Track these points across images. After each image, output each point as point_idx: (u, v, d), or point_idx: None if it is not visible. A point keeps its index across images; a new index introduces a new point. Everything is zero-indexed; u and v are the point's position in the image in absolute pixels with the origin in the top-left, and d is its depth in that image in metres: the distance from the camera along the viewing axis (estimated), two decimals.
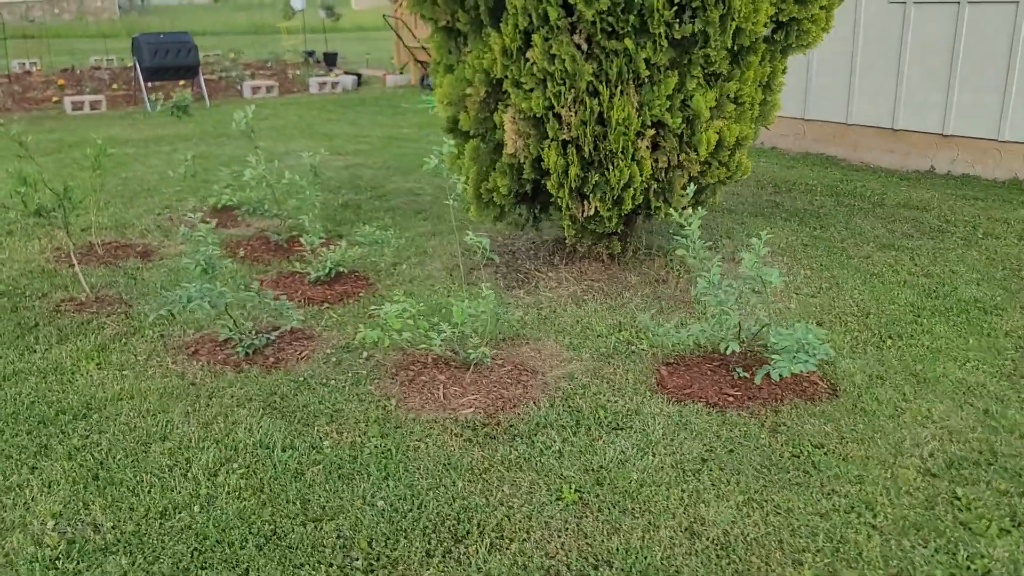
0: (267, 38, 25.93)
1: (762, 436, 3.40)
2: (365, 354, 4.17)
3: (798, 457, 3.25)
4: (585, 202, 4.70)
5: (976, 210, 6.72)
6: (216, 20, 33.48)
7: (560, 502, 2.97)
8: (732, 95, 4.58)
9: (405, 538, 2.78)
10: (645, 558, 2.68)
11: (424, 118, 12.16)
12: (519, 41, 4.39)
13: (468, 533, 2.80)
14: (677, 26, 4.23)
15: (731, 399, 3.73)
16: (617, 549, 2.72)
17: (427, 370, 4.02)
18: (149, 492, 3.03)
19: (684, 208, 4.95)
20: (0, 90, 14.59)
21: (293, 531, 2.82)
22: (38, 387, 3.82)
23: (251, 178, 5.71)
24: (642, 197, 4.68)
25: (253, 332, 4.23)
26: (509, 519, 2.87)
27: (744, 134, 4.74)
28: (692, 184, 4.62)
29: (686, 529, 2.82)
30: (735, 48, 4.43)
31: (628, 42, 4.27)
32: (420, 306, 3.99)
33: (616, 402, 3.69)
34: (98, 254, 5.73)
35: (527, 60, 4.44)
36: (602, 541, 2.76)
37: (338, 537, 2.79)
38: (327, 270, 5.16)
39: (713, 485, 3.06)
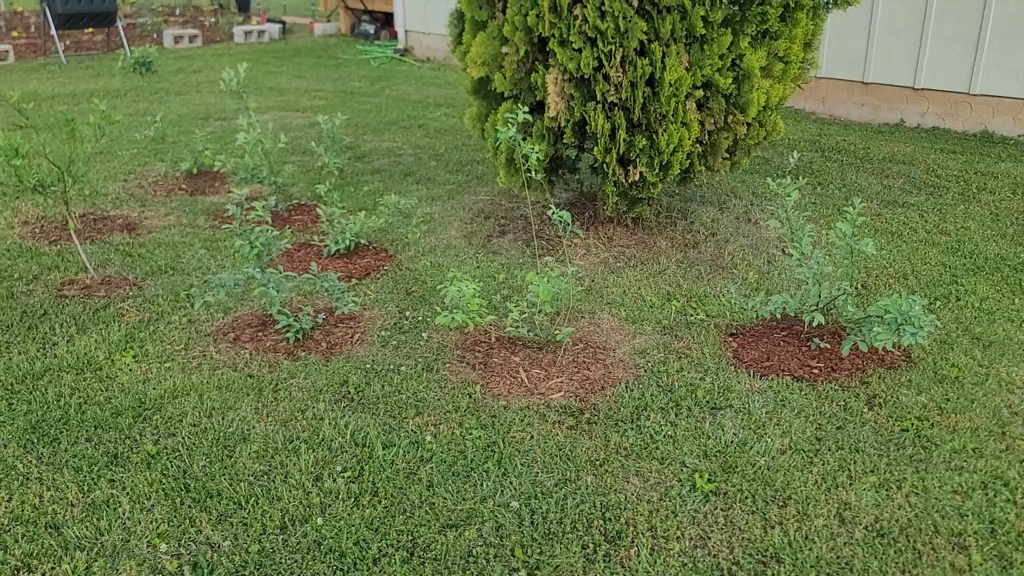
0: None
1: (863, 410, 3.36)
2: (425, 335, 3.93)
3: (907, 431, 3.22)
4: (630, 167, 4.52)
5: (960, 164, 6.86)
6: None
7: (697, 493, 2.85)
8: (781, 53, 4.45)
9: (559, 542, 2.61)
10: (810, 551, 2.60)
11: (370, 70, 11.65)
12: None
13: (621, 534, 2.66)
14: None
15: (816, 372, 3.68)
16: (779, 543, 2.63)
17: (496, 351, 3.81)
18: (256, 503, 2.76)
19: (716, 171, 4.85)
20: None
21: (435, 541, 2.61)
22: (78, 386, 3.44)
23: (245, 142, 5.28)
24: (688, 161, 4.54)
25: (293, 315, 3.92)
26: (656, 515, 2.74)
27: (786, 94, 4.64)
28: (737, 146, 4.51)
29: (836, 516, 2.75)
30: (789, 4, 4.30)
31: None
32: (477, 283, 3.77)
33: (703, 379, 3.59)
34: (78, 228, 5.23)
35: (576, 17, 4.19)
36: (760, 535, 2.66)
37: (486, 545, 2.60)
38: (347, 242, 4.85)
39: (840, 467, 3.00)
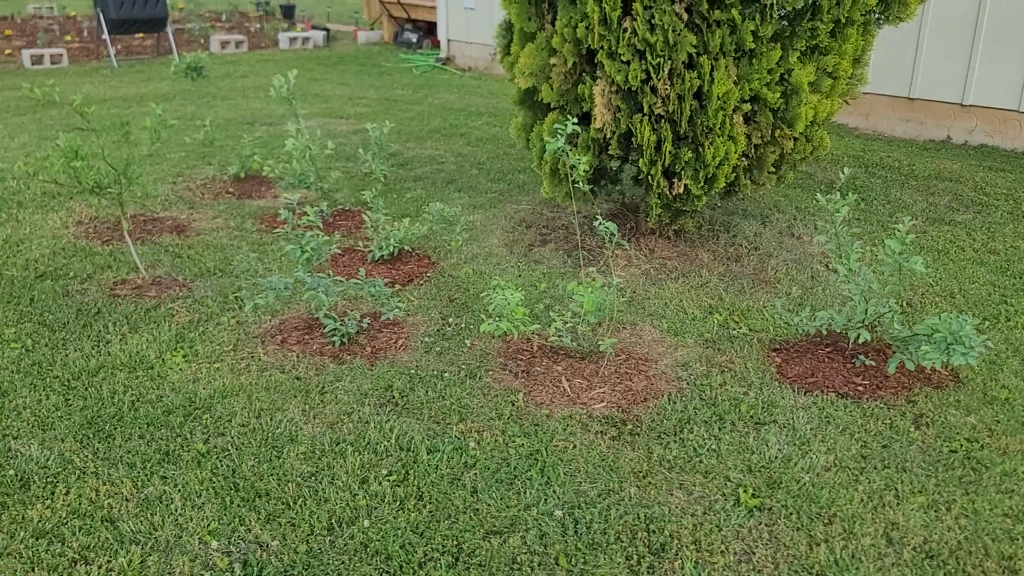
0: None
1: (910, 429, 3.33)
2: (468, 342, 3.96)
3: (956, 452, 3.19)
4: (675, 180, 4.53)
5: (1009, 182, 6.76)
6: None
7: (742, 507, 2.85)
8: (830, 69, 4.44)
9: (603, 552, 2.62)
10: (857, 570, 2.58)
11: (412, 78, 11.76)
12: (619, 10, 4.16)
13: (665, 547, 2.66)
14: None
15: (861, 389, 3.65)
16: (825, 561, 2.61)
17: (538, 360, 3.83)
18: (304, 504, 2.81)
19: (762, 184, 4.84)
20: None
21: (480, 547, 2.64)
22: (131, 384, 3.52)
23: (294, 148, 5.37)
24: (733, 175, 4.53)
25: (339, 319, 3.98)
26: (700, 528, 2.74)
27: (833, 109, 4.62)
28: (783, 161, 4.50)
29: (883, 536, 2.73)
30: (840, 20, 4.28)
31: (735, 12, 4.08)
32: (520, 292, 3.79)
33: (747, 394, 3.58)
34: (131, 229, 5.34)
35: (624, 30, 4.21)
36: (806, 553, 2.65)
37: (530, 553, 2.62)
38: (391, 248, 4.90)
39: (887, 486, 2.98)
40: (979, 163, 7.35)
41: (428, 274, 4.82)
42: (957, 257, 5.18)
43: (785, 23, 4.27)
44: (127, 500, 2.80)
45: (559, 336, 3.81)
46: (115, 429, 3.19)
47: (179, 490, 2.86)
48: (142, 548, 2.58)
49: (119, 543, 2.60)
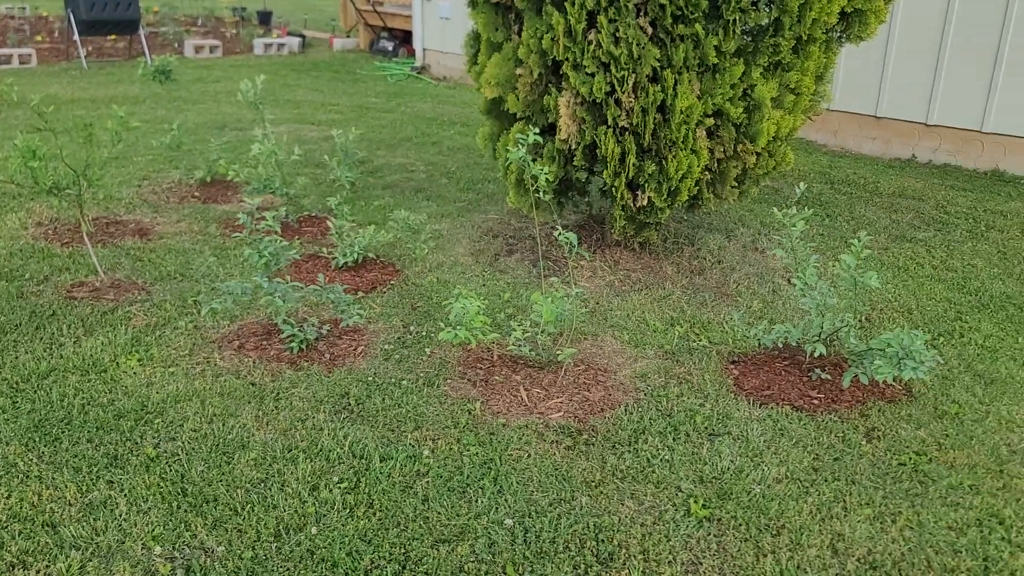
0: None
1: (862, 442, 3.36)
2: (428, 351, 3.95)
3: (904, 465, 3.22)
4: (639, 192, 4.56)
5: (970, 201, 6.87)
6: None
7: (692, 518, 2.86)
8: (792, 85, 4.49)
9: (551, 561, 2.62)
10: None
11: (386, 86, 11.75)
12: (584, 22, 4.19)
13: (613, 556, 2.66)
14: (752, 13, 4.11)
15: (816, 402, 3.68)
16: (771, 572, 2.63)
17: (497, 369, 3.83)
18: (251, 510, 2.78)
19: (724, 199, 4.88)
20: None
21: (427, 555, 2.62)
22: (82, 387, 3.48)
23: (260, 153, 5.34)
24: (696, 188, 4.57)
25: (298, 325, 3.96)
26: (649, 538, 2.75)
27: (796, 125, 4.67)
28: (746, 175, 4.54)
29: (829, 547, 2.75)
30: (801, 37, 4.34)
31: (698, 27, 4.12)
32: (480, 301, 3.79)
33: (703, 405, 3.60)
34: (91, 232, 5.28)
35: (590, 42, 4.24)
36: (752, 564, 2.66)
37: (478, 561, 2.61)
38: (355, 256, 4.89)
39: (836, 498, 3.00)
40: (942, 182, 7.46)
41: (392, 282, 4.81)
42: (916, 273, 5.25)
43: (748, 39, 4.32)
44: (70, 504, 2.76)
45: (518, 345, 3.82)
46: (62, 433, 3.15)
47: (125, 495, 2.82)
48: (82, 553, 2.54)
49: (59, 548, 2.56)
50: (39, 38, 14.42)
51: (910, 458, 3.26)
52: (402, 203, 6.29)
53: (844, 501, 2.98)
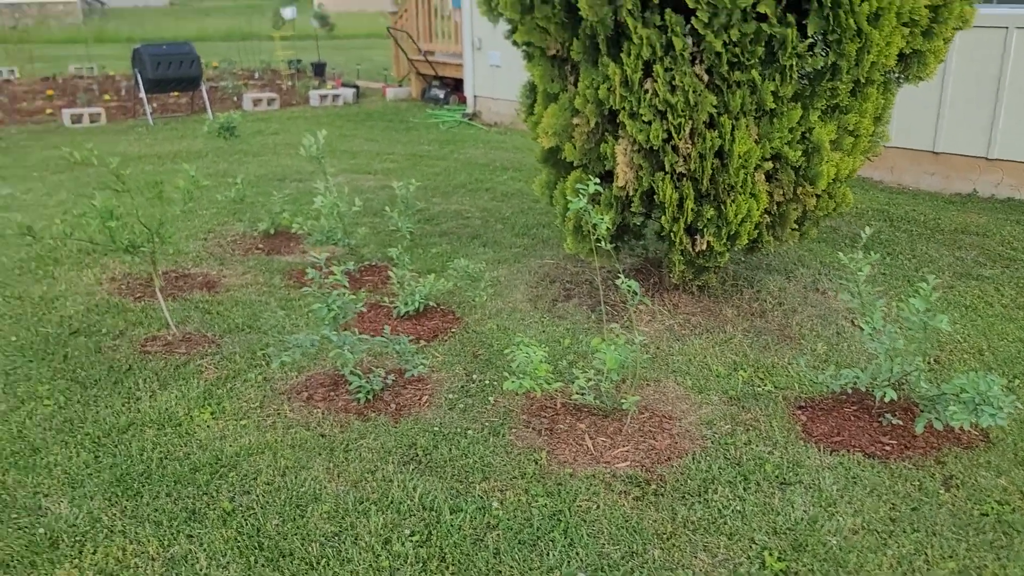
0: (248, 45, 25.47)
1: (940, 491, 3.28)
2: (491, 399, 3.98)
3: (987, 515, 3.14)
4: (697, 236, 4.56)
5: None
6: (182, 26, 32.63)
7: (767, 571, 2.82)
8: (851, 127, 4.48)
9: None
10: None
11: (439, 134, 11.95)
12: (640, 72, 4.24)
13: None
14: (809, 58, 4.12)
15: (888, 448, 3.61)
16: None
17: (561, 417, 3.84)
18: (327, 565, 2.82)
19: (785, 241, 4.85)
20: None
21: None
22: (159, 441, 3.57)
23: (322, 205, 5.47)
24: (756, 231, 4.56)
25: (365, 376, 4.02)
26: None
27: (855, 167, 4.64)
28: (806, 217, 4.52)
29: None
30: (859, 80, 4.33)
31: (755, 73, 4.14)
32: (543, 349, 3.81)
33: (772, 453, 3.55)
34: (163, 287, 5.44)
35: (646, 91, 4.29)
36: None
37: None
38: (416, 304, 4.96)
39: (917, 550, 2.93)
40: (1006, 217, 7.31)
41: (452, 330, 4.86)
42: (985, 313, 5.14)
43: (805, 83, 4.32)
44: (153, 559, 2.83)
45: (582, 393, 3.82)
46: (143, 487, 3.24)
47: (204, 549, 2.88)
48: None
49: None
50: (107, 97, 15.00)
51: (992, 507, 3.18)
52: (459, 250, 6.37)
53: (926, 554, 2.91)
